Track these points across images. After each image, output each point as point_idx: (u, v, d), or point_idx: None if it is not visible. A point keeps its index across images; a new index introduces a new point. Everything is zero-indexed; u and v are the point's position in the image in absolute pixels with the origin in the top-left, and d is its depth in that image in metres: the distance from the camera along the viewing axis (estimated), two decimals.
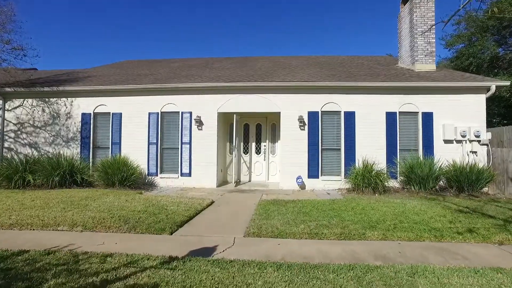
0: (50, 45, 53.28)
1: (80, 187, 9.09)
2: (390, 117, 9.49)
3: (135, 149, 10.19)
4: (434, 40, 10.94)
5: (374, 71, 11.01)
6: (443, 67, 15.35)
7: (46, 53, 50.06)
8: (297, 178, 9.42)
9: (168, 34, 61.99)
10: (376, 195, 8.14)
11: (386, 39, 56.15)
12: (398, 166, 9.26)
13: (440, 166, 8.53)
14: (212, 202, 7.30)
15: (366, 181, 8.34)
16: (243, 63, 13.54)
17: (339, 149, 9.63)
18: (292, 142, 9.69)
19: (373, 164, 8.69)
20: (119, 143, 10.32)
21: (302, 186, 9.50)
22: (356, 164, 9.14)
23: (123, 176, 9.04)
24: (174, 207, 6.32)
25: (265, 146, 10.96)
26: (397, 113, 9.49)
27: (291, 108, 9.75)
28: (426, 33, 10.84)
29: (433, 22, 10.89)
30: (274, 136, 11.00)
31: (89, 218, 5.37)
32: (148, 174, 10.15)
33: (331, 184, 9.49)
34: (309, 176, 9.58)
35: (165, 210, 6.04)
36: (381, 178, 8.31)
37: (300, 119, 9.53)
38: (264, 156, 10.95)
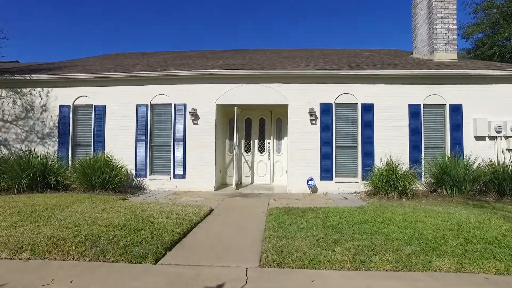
0: (43, 41, 51.01)
1: (54, 191, 7.46)
2: (414, 110, 8.08)
3: (121, 146, 8.59)
4: (455, 27, 9.57)
5: (389, 61, 9.61)
6: (463, 57, 13.91)
7: (38, 49, 47.82)
8: (308, 180, 7.93)
9: (167, 33, 59.98)
10: (404, 200, 6.71)
11: (382, 38, 55.13)
12: (423, 165, 7.86)
13: (478, 166, 7.15)
14: (211, 211, 5.77)
15: (391, 183, 6.90)
16: (243, 54, 12.03)
17: (355, 147, 8.18)
18: (302, 139, 8.21)
19: (398, 164, 7.26)
20: (103, 140, 8.71)
21: (314, 189, 8.02)
22: (378, 164, 7.69)
23: (104, 178, 7.44)
24: (163, 219, 4.77)
25: (269, 143, 9.46)
26: (421, 105, 8.09)
27: (301, 99, 8.26)
28: (446, 19, 9.54)
29: (455, 7, 9.57)
30: (280, 132, 9.49)
31: (44, 238, 3.80)
32: (136, 175, 8.56)
33: (346, 186, 8.03)
34: (322, 178, 8.10)
35: (151, 224, 4.50)
36: (408, 180, 6.88)
37: (311, 112, 8.06)
38: (269, 155, 9.44)
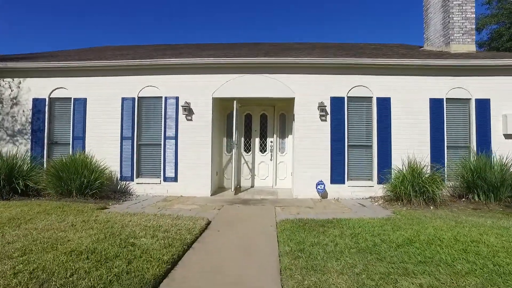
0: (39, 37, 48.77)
1: (23, 198, 6.21)
2: (435, 105, 7.03)
3: (104, 145, 7.35)
4: (474, 16, 8.57)
5: (404, 52, 8.56)
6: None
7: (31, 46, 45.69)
8: (318, 184, 6.81)
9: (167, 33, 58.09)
10: (432, 208, 5.64)
11: (382, 38, 54.29)
12: (445, 167, 6.82)
13: None
14: (208, 224, 4.60)
15: (417, 188, 5.83)
16: (242, 46, 10.85)
17: (370, 146, 7.10)
18: (309, 137, 7.08)
19: (424, 166, 6.19)
20: (83, 138, 7.44)
21: (324, 194, 6.91)
22: (397, 165, 6.61)
23: (82, 182, 6.21)
24: (147, 240, 3.59)
25: (272, 142, 8.29)
26: (444, 100, 7.05)
27: (309, 92, 7.14)
28: (464, 7, 8.53)
29: None
30: (284, 130, 8.33)
31: None
32: (121, 178, 7.32)
33: (360, 191, 6.94)
34: (332, 181, 6.99)
35: (130, 248, 3.31)
36: (437, 185, 5.82)
37: (321, 107, 6.95)
38: (271, 155, 8.27)
